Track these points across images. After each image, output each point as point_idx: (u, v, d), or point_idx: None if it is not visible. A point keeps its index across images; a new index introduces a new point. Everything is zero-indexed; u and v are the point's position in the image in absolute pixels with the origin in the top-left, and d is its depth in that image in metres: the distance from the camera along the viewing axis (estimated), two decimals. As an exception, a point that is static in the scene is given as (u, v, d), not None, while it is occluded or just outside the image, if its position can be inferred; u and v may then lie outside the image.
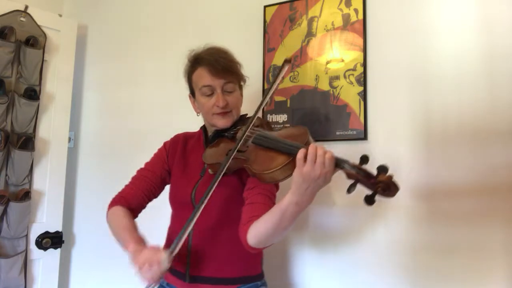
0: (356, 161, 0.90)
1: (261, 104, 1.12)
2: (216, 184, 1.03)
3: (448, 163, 1.38)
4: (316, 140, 1.58)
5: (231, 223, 1.12)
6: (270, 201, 1.11)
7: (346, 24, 1.59)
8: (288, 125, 1.17)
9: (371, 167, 0.88)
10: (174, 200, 1.29)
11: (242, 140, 1.06)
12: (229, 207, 1.17)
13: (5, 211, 1.79)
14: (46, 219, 1.98)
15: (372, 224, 1.47)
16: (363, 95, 1.53)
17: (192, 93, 1.27)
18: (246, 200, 1.13)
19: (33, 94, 1.91)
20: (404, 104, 1.47)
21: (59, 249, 2.01)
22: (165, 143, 1.37)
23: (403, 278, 1.42)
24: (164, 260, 1.00)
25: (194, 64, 1.22)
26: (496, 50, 1.35)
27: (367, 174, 0.87)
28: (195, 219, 1.02)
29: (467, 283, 1.32)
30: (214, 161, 1.15)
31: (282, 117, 1.67)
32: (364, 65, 1.54)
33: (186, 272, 1.18)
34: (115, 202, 1.26)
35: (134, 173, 1.34)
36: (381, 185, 0.84)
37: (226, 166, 1.03)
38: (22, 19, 1.90)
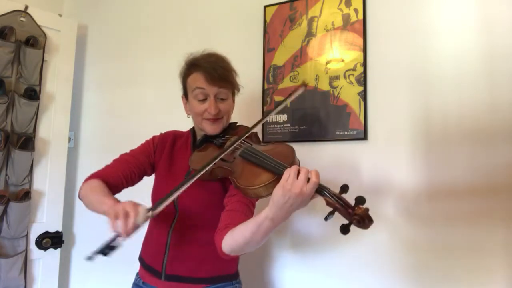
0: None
1: (260, 120, 1.16)
2: (195, 179, 1.02)
3: (448, 163, 1.38)
4: (316, 140, 1.60)
5: (210, 225, 1.14)
6: (248, 210, 1.13)
7: (346, 24, 1.59)
8: (273, 143, 1.18)
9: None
10: (155, 198, 1.28)
11: (229, 150, 1.08)
12: (209, 210, 1.18)
13: (5, 211, 1.79)
14: (46, 219, 1.98)
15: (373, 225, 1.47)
16: (363, 95, 1.53)
17: (185, 95, 1.28)
18: (226, 207, 1.14)
19: (33, 94, 1.91)
20: (404, 104, 1.47)
21: (59, 249, 2.01)
22: (153, 137, 1.37)
23: (403, 278, 1.42)
24: (142, 212, 0.95)
25: (190, 68, 1.23)
26: (496, 50, 1.35)
27: (346, 204, 0.89)
28: (182, 189, 1.00)
29: (467, 283, 1.33)
30: (198, 167, 1.13)
31: (282, 117, 1.67)
32: (364, 65, 1.54)
33: (162, 270, 1.19)
34: (91, 177, 1.24)
35: (104, 166, 1.33)
36: (356, 217, 0.86)
37: (206, 168, 1.04)
38: (22, 19, 1.90)
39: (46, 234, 1.95)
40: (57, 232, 2.00)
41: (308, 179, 0.88)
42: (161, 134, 1.38)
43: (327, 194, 0.90)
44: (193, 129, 1.35)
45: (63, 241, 2.02)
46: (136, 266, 1.32)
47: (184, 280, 1.18)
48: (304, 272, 1.58)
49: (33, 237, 1.92)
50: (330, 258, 1.54)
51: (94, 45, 2.27)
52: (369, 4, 1.57)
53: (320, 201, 0.92)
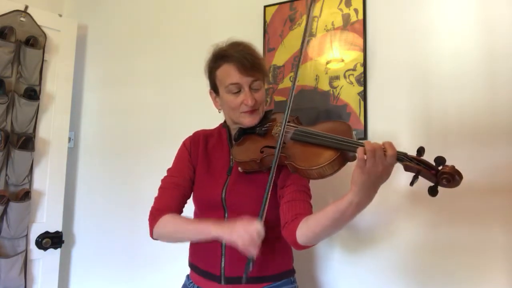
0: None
1: (291, 95, 1.10)
2: (271, 181, 1.02)
3: (448, 163, 1.38)
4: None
5: (265, 221, 1.10)
6: (308, 197, 1.11)
7: (346, 24, 1.59)
8: (320, 122, 1.14)
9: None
10: (201, 201, 1.24)
11: (282, 136, 1.04)
12: (259, 205, 1.14)
13: (5, 211, 1.79)
14: (46, 219, 1.98)
15: (373, 225, 1.47)
16: (363, 95, 1.53)
17: (215, 89, 1.22)
18: (282, 198, 1.11)
19: (33, 94, 1.91)
20: (404, 104, 1.47)
21: (59, 249, 2.01)
22: (184, 142, 1.31)
23: (403, 277, 1.42)
24: (261, 228, 0.97)
25: (219, 59, 1.17)
26: (496, 50, 1.35)
27: (429, 166, 0.87)
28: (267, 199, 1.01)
29: (467, 282, 1.32)
30: (246, 159, 1.12)
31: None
32: (364, 65, 1.54)
33: (221, 274, 1.15)
34: (155, 216, 1.19)
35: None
36: (445, 175, 0.84)
37: (276, 163, 1.01)
38: (22, 19, 1.90)
39: (46, 234, 1.95)
40: (57, 232, 2.00)
41: (385, 153, 0.85)
42: (189, 137, 1.33)
43: (406, 159, 0.87)
44: (225, 124, 1.30)
45: (63, 241, 2.02)
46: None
47: (246, 280, 1.13)
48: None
49: (33, 237, 1.92)
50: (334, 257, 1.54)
51: (94, 45, 2.27)
52: (369, 4, 1.57)
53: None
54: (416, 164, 0.87)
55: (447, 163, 0.86)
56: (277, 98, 1.69)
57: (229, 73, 1.14)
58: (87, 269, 2.12)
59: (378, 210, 1.44)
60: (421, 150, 0.89)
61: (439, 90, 1.42)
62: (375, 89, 1.52)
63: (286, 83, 1.68)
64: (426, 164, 0.87)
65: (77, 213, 2.18)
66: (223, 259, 1.15)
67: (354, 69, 1.55)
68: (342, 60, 1.58)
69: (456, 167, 0.85)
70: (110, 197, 2.09)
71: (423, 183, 0.89)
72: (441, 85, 1.42)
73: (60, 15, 2.11)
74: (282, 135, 1.05)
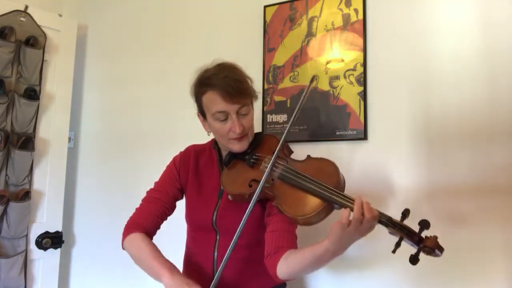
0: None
1: (287, 130, 1.07)
2: (245, 220, 1.01)
3: (448, 163, 1.38)
4: (316, 140, 1.60)
5: (254, 243, 1.13)
6: (293, 227, 1.10)
7: (346, 24, 1.59)
8: (309, 157, 1.13)
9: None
10: (192, 223, 1.26)
11: (267, 175, 1.03)
12: (250, 229, 1.14)
13: (5, 211, 1.79)
14: (46, 219, 1.97)
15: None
16: (363, 95, 1.53)
17: (202, 113, 1.20)
18: (268, 226, 1.11)
19: (33, 94, 1.91)
20: (404, 104, 1.47)
21: (59, 249, 2.01)
22: (174, 160, 1.30)
23: (403, 277, 1.42)
24: None
25: (203, 86, 1.14)
26: (496, 50, 1.35)
27: (411, 232, 0.88)
28: (229, 254, 1.00)
29: (467, 282, 1.33)
30: (235, 191, 1.11)
31: (282, 117, 1.67)
32: (364, 65, 1.54)
33: None
34: (130, 228, 1.21)
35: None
36: (426, 249, 0.86)
37: (253, 205, 1.01)
38: (22, 19, 1.90)
39: (46, 234, 1.95)
40: (57, 232, 2.00)
41: (366, 216, 0.86)
42: (180, 153, 1.32)
43: (389, 224, 0.89)
44: (215, 145, 1.28)
45: (63, 241, 2.02)
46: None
47: None
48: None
49: (33, 237, 1.92)
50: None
51: (94, 45, 2.27)
52: (369, 4, 1.57)
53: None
54: (399, 230, 0.88)
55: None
56: (277, 98, 1.69)
57: (214, 101, 1.11)
58: (87, 269, 2.12)
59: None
60: (405, 213, 0.91)
61: (439, 90, 1.42)
62: (375, 89, 1.53)
63: (286, 83, 1.68)
64: (408, 230, 0.88)
65: (77, 213, 2.18)
66: (215, 280, 1.14)
67: (354, 69, 1.55)
68: (342, 60, 1.58)
69: (438, 240, 0.87)
70: (110, 197, 2.09)
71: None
72: (441, 85, 1.42)
73: (60, 15, 2.11)
74: (267, 174, 1.03)
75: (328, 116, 1.58)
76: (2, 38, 1.81)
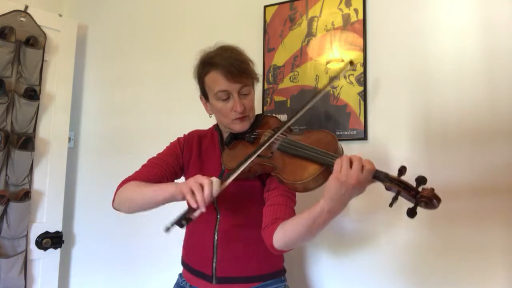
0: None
1: (298, 111, 1.10)
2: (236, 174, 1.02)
3: (448, 163, 1.38)
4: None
5: (255, 223, 1.13)
6: (291, 202, 1.11)
7: (346, 24, 1.59)
8: (305, 127, 1.14)
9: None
10: None
11: (265, 146, 1.04)
12: (252, 208, 1.17)
13: (5, 211, 1.79)
14: (46, 219, 1.98)
15: (373, 225, 1.47)
16: (363, 95, 1.53)
17: (204, 95, 1.23)
18: (266, 201, 1.12)
19: (33, 94, 1.91)
20: (404, 104, 1.47)
21: (59, 249, 2.01)
22: (179, 139, 1.33)
23: (403, 277, 1.42)
24: (216, 181, 0.96)
25: (206, 66, 1.17)
26: (496, 50, 1.35)
27: (408, 187, 0.87)
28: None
29: (467, 283, 1.32)
30: (235, 167, 1.12)
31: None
32: (364, 65, 1.54)
33: (213, 274, 1.17)
34: (124, 182, 1.21)
35: (133, 172, 1.32)
36: (423, 199, 0.85)
37: (244, 166, 1.02)
38: (22, 19, 1.90)
39: (46, 234, 1.95)
40: (57, 232, 2.00)
41: (362, 167, 0.86)
42: (184, 135, 1.35)
43: (386, 179, 0.88)
44: (217, 127, 1.32)
45: (63, 241, 2.02)
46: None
47: (236, 280, 1.16)
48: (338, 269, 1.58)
49: (33, 237, 1.92)
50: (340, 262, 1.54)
51: (94, 45, 2.27)
52: (369, 4, 1.57)
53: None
54: (396, 184, 0.87)
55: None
56: (277, 98, 1.69)
57: (217, 81, 1.14)
58: (87, 269, 2.12)
59: (377, 210, 1.45)
60: (402, 170, 0.90)
61: (439, 90, 1.42)
62: (375, 89, 1.52)
63: (286, 83, 1.68)
64: (405, 185, 0.87)
65: (77, 213, 2.18)
66: (214, 259, 1.17)
67: (354, 69, 1.55)
68: (342, 60, 1.58)
69: (435, 191, 0.86)
70: (110, 197, 2.08)
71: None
72: (441, 85, 1.42)
73: (60, 15, 2.11)
74: (264, 145, 1.05)
75: (328, 116, 1.58)
76: (2, 38, 1.81)
